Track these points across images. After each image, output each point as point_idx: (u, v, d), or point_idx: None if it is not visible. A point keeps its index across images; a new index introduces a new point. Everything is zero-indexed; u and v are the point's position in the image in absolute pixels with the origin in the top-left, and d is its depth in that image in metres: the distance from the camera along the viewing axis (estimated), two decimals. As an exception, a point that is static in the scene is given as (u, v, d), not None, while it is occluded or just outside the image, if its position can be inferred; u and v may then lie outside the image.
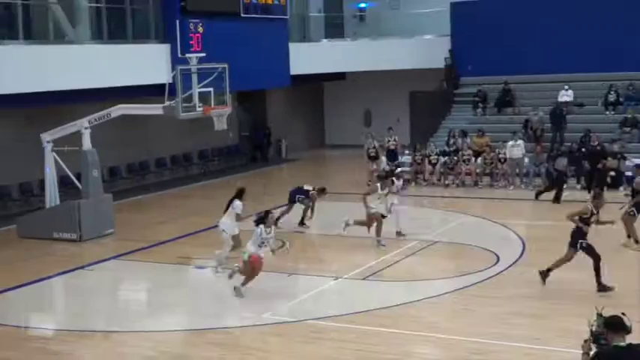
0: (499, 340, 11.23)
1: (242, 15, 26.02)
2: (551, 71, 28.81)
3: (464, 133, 26.36)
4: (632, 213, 16.43)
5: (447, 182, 24.99)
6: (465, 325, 12.02)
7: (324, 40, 33.02)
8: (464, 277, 14.70)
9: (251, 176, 29.07)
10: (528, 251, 16.45)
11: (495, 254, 16.11)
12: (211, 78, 18.86)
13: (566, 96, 28.03)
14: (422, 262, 16.18)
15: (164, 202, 23.92)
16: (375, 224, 17.28)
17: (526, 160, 24.50)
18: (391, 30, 32.90)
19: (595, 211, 13.62)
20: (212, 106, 18.91)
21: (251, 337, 11.94)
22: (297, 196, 19.44)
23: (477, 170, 24.89)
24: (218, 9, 24.61)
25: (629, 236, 16.49)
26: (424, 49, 31.49)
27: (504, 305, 12.98)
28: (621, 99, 27.47)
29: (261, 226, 13.51)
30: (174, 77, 18.46)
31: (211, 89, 18.87)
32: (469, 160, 24.94)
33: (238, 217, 15.55)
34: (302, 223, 19.27)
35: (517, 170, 24.43)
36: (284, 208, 19.50)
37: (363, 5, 35.18)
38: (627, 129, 25.81)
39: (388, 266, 15.59)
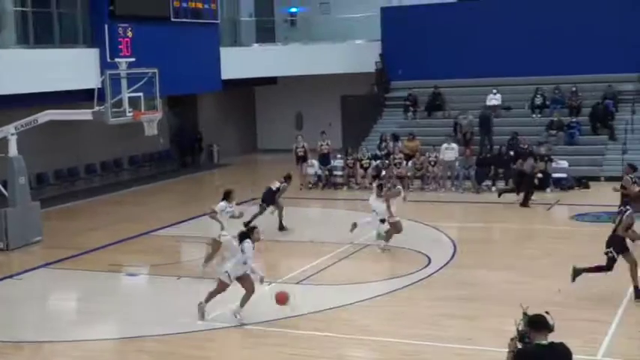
0: (432, 342, 11.37)
1: (172, 19, 25.85)
2: (480, 75, 29.32)
3: (395, 137, 26.63)
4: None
5: (378, 186, 25.17)
6: (397, 328, 12.14)
7: (255, 45, 33.00)
8: (396, 279, 14.83)
9: (182, 182, 28.89)
10: (459, 253, 16.67)
11: (427, 256, 16.30)
12: (141, 83, 18.68)
13: (494, 100, 28.58)
14: (354, 266, 16.27)
15: (94, 209, 23.56)
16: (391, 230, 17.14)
17: (456, 163, 24.87)
18: (322, 34, 33.07)
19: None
20: (142, 111, 18.72)
21: (186, 344, 11.84)
22: (260, 203, 19.13)
23: (409, 173, 25.16)
24: (147, 13, 24.39)
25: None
26: (355, 54, 31.75)
27: (436, 307, 13.14)
28: (547, 102, 28.11)
29: (249, 241, 12.28)
30: (103, 82, 18.25)
31: (141, 94, 18.68)
32: (400, 163, 25.19)
33: (213, 215, 15.34)
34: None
35: (448, 173, 24.77)
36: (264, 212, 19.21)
37: (294, 10, 35.25)
38: (553, 132, 26.41)
39: (321, 270, 15.64)
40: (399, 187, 17.48)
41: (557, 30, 28.70)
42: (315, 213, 23.35)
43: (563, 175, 23.95)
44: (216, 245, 15.51)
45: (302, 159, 25.83)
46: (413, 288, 14.26)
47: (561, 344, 6.54)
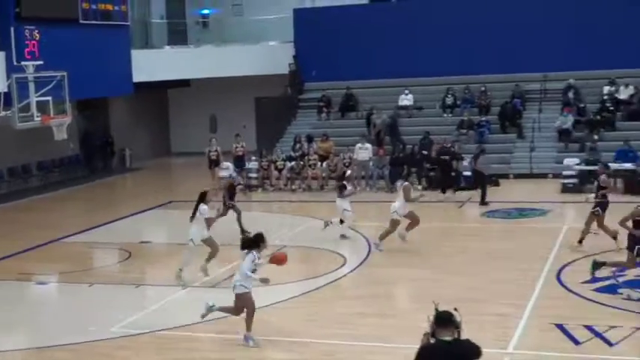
0: (348, 341, 11.42)
1: (81, 21, 25.28)
2: (392, 76, 29.66)
3: (309, 138, 26.71)
4: (596, 213, 15.89)
5: (293, 187, 25.22)
6: (314, 328, 12.15)
7: (167, 47, 32.57)
8: (312, 279, 14.85)
9: (93, 187, 28.34)
10: (374, 252, 16.79)
11: (342, 256, 16.38)
12: (50, 86, 18.29)
13: (406, 100, 28.99)
14: (271, 267, 16.06)
15: (1, 217, 22.88)
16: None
17: (370, 163, 25.08)
18: (235, 36, 32.92)
19: None
20: (51, 115, 18.32)
21: (96, 352, 11.59)
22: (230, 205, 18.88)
23: (323, 174, 25.25)
24: (55, 15, 23.74)
25: (614, 238, 15.57)
26: (268, 55, 31.72)
27: (352, 306, 13.21)
28: (458, 102, 28.66)
29: (255, 250, 11.52)
30: (9, 86, 17.78)
31: (50, 98, 18.28)
32: (315, 164, 25.27)
33: (208, 222, 14.94)
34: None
35: (362, 173, 24.96)
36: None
37: (206, 12, 34.98)
38: (464, 131, 26.92)
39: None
40: (407, 183, 17.32)
41: (466, 31, 29.27)
42: (229, 215, 23.16)
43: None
44: (212, 245, 15.04)
45: (215, 162, 25.57)
46: (329, 288, 14.31)
47: (467, 341, 6.59)
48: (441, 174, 23.58)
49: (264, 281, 11.59)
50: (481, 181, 22.11)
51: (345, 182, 18.41)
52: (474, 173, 22.62)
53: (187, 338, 11.87)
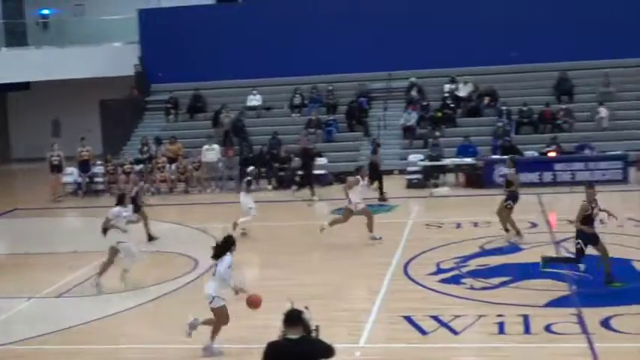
0: (202, 344, 11.32)
1: None
2: (240, 76, 29.71)
3: (157, 141, 26.32)
4: (508, 206, 16.21)
5: (142, 190, 24.78)
6: (166, 333, 11.95)
7: (4, 49, 31.29)
8: (163, 284, 14.63)
9: None
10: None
11: (194, 259, 16.22)
12: None
13: (254, 100, 29.10)
14: (120, 273, 15.85)
15: None
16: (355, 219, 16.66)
17: (220, 164, 25.01)
18: (78, 37, 32.03)
19: (594, 204, 13.02)
20: None
21: (-64, 371, 11.03)
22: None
23: (172, 177, 24.95)
24: None
25: (507, 230, 16.33)
26: (113, 57, 31.08)
27: (206, 309, 13.09)
28: (306, 102, 29.01)
29: (229, 255, 10.76)
30: None
31: None
32: (164, 167, 24.93)
33: (107, 223, 13.97)
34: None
35: (212, 174, 24.84)
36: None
37: (46, 12, 33.80)
38: (312, 130, 27.26)
39: (84, 281, 15.10)
40: (358, 176, 17.08)
41: (312, 32, 29.72)
42: (76, 222, 22.54)
43: (323, 172, 24.73)
44: (112, 254, 14.31)
45: (57, 168, 24.73)
46: (181, 292, 14.14)
47: (316, 340, 6.62)
48: (304, 173, 23.67)
49: (240, 291, 10.86)
50: (377, 173, 22.29)
51: (250, 179, 18.32)
52: (371, 166, 22.73)
53: (34, 351, 11.44)
